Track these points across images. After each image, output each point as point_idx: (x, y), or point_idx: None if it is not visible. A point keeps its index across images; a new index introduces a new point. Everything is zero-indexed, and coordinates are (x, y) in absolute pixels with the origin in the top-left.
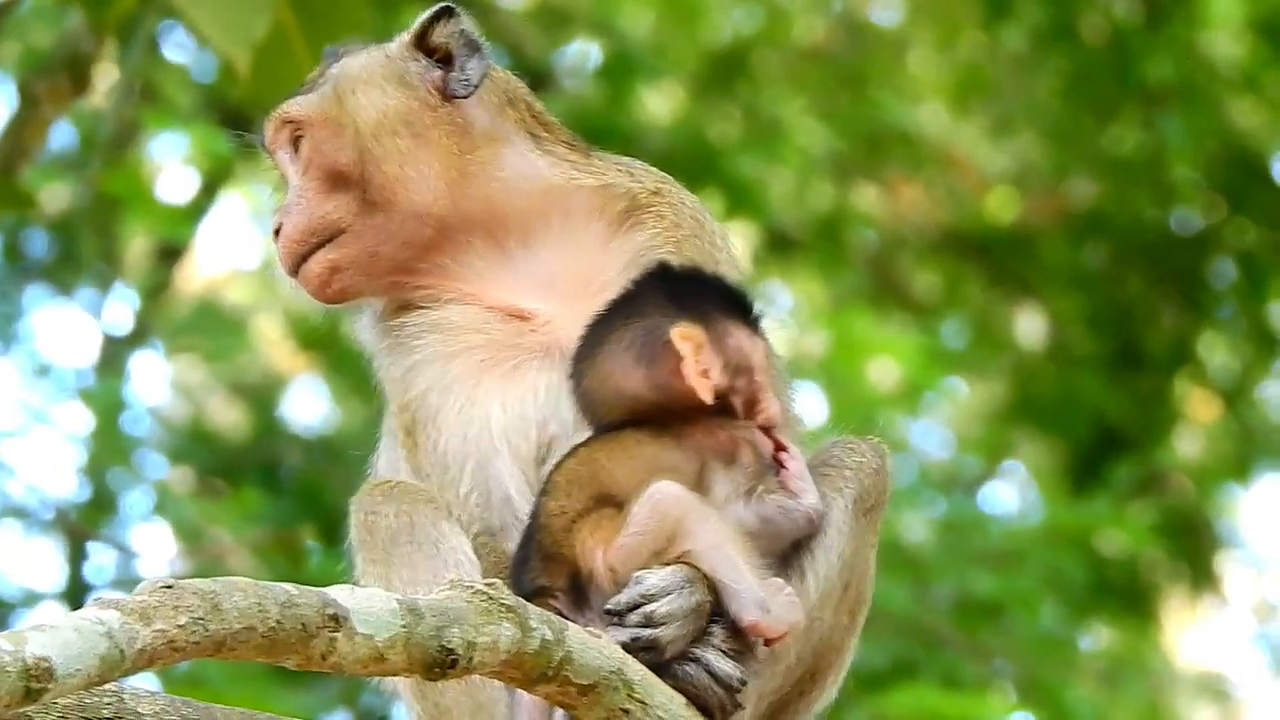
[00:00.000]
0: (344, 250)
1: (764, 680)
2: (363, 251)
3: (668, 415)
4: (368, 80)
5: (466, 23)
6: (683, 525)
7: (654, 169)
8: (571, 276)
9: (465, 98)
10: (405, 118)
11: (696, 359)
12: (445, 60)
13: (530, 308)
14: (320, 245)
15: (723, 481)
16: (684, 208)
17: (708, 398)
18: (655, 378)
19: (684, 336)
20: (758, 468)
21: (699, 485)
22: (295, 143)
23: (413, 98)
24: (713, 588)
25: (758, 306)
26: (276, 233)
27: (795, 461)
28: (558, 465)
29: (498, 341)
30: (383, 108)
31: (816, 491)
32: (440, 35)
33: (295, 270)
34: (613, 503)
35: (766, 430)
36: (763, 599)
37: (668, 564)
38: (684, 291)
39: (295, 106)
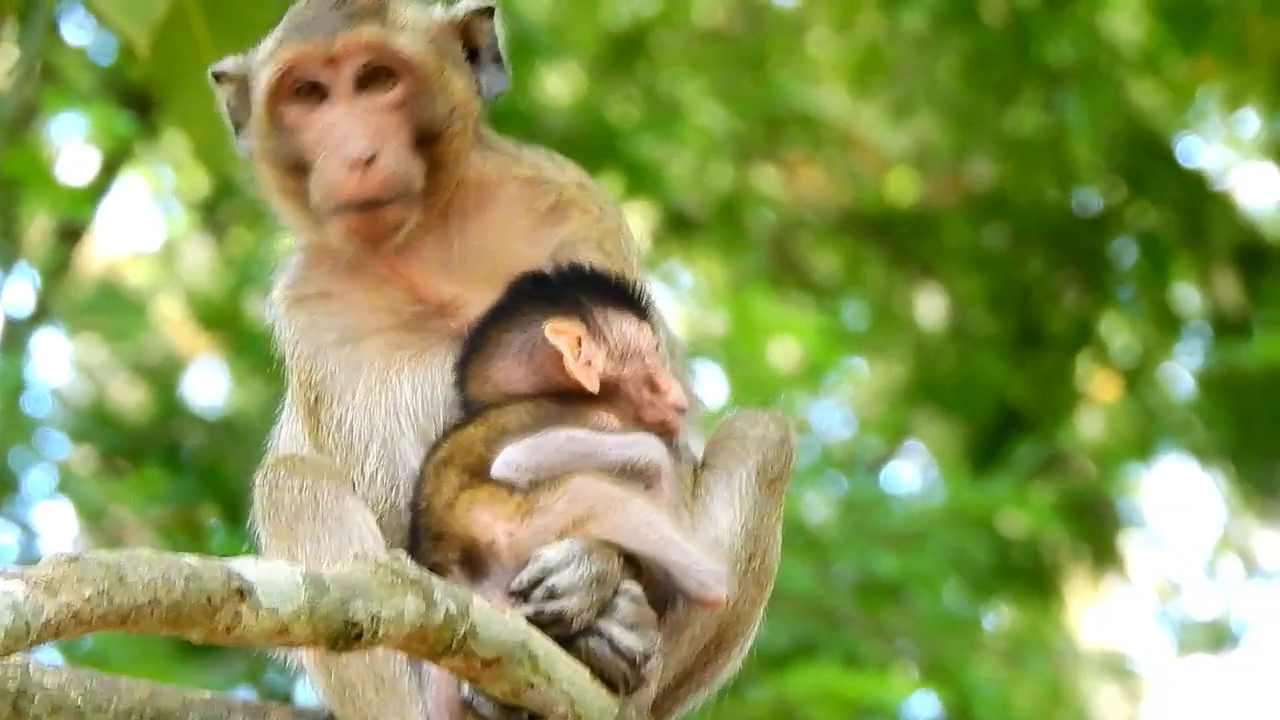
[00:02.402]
0: (410, 213)
1: (670, 651)
2: (413, 220)
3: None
4: (447, 52)
5: (500, 29)
6: (598, 509)
7: (570, 163)
8: (495, 265)
9: (486, 100)
10: (470, 104)
11: (575, 351)
12: (470, 57)
13: (452, 293)
14: (399, 197)
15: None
16: (606, 205)
17: (593, 387)
18: (539, 375)
19: (557, 330)
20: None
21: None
22: (373, 75)
23: (471, 85)
24: (617, 556)
25: (643, 295)
26: (367, 161)
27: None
28: (430, 453)
29: (409, 324)
30: (463, 88)
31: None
32: (481, 31)
33: (366, 206)
34: (486, 475)
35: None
36: (718, 570)
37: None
38: (559, 290)
39: (403, 44)
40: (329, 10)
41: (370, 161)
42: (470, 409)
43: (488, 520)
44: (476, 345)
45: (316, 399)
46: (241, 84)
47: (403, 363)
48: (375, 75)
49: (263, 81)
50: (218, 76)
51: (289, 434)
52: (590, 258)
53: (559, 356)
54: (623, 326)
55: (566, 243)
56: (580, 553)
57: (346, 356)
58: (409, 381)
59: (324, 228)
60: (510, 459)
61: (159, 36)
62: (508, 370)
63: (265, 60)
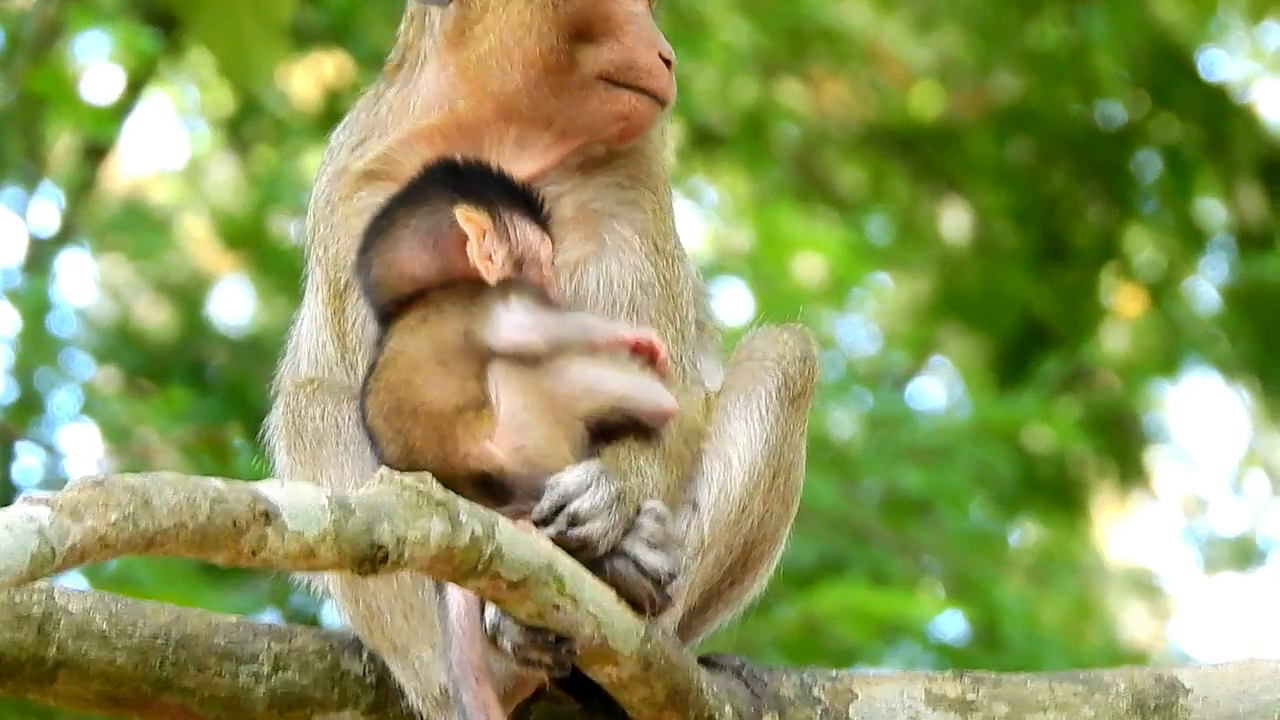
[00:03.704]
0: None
1: (694, 570)
2: None
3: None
4: None
5: None
6: (569, 375)
7: None
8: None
9: None
10: None
11: (481, 241)
12: None
13: None
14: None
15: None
16: (667, 155)
17: (491, 279)
18: (441, 258)
19: (468, 218)
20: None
21: (471, 334)
22: None
23: None
24: (628, 472)
25: (547, 205)
26: (668, 62)
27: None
28: (369, 409)
29: None
30: None
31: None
32: None
33: (657, 102)
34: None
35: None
36: (657, 388)
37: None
38: (471, 182)
39: None
40: None
41: (669, 63)
42: (371, 295)
43: (480, 446)
44: (382, 227)
45: (346, 285)
46: None
47: None
48: None
49: None
50: None
51: (311, 318)
52: (641, 199)
53: (463, 243)
54: (526, 231)
55: (630, 176)
56: (598, 474)
57: None
58: None
59: (570, 95)
60: (516, 322)
61: None
62: (411, 253)
63: None
